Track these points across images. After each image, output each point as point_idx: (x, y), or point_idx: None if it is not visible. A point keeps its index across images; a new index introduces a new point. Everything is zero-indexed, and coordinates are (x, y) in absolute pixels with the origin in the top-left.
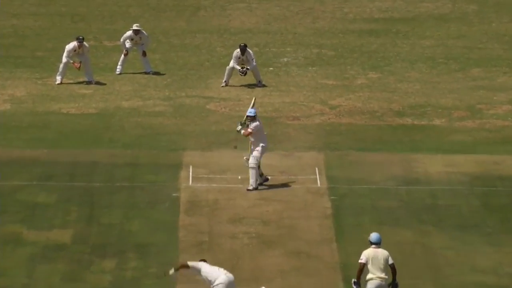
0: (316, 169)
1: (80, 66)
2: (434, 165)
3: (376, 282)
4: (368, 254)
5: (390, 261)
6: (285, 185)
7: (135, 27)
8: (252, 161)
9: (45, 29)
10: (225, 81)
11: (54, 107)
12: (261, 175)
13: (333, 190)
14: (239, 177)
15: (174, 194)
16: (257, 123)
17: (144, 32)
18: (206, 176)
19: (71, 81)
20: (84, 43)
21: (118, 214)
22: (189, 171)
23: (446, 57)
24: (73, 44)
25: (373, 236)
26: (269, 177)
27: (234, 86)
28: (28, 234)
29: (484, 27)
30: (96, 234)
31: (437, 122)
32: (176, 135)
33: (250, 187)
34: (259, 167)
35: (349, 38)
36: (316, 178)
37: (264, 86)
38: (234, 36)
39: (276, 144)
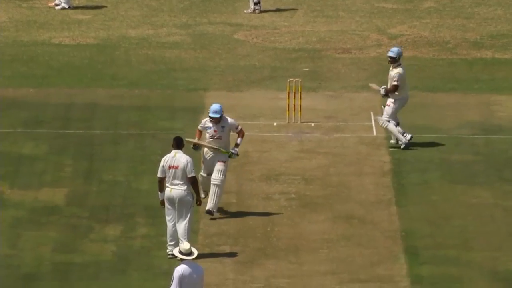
0: (371, 114)
1: None
2: None
3: None
4: None
5: None
6: (332, 134)
7: None
8: (218, 177)
9: None
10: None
11: (43, 36)
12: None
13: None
14: (275, 124)
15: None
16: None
17: None
18: None
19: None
20: None
21: (123, 169)
22: None
23: None
24: None
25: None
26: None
27: (268, 11)
28: (11, 194)
29: None
30: (96, 194)
31: None
32: (196, 72)
33: (210, 208)
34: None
35: None
36: (372, 125)
37: None
38: None
39: (322, 83)
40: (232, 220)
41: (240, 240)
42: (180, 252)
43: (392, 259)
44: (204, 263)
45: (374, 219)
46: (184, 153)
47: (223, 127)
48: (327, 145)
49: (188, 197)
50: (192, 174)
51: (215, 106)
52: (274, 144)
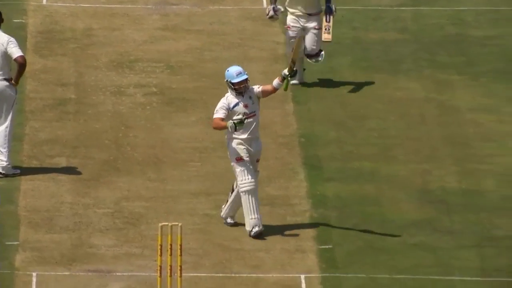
0: None
1: None
2: None
3: None
4: None
5: None
6: (206, 5)
7: None
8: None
9: None
10: None
11: None
12: None
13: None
14: None
15: (16, 20)
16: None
17: None
18: None
19: None
20: None
21: None
22: None
23: None
24: None
25: None
26: None
27: None
28: None
29: None
30: None
31: None
32: None
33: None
34: None
35: None
36: None
37: None
38: None
39: None
40: (70, 123)
41: (81, 150)
42: None
43: (287, 175)
44: (31, 182)
45: (263, 120)
46: (2, 31)
47: (250, 97)
48: (200, 20)
49: (10, 91)
50: (19, 54)
51: (236, 68)
52: (127, 19)
